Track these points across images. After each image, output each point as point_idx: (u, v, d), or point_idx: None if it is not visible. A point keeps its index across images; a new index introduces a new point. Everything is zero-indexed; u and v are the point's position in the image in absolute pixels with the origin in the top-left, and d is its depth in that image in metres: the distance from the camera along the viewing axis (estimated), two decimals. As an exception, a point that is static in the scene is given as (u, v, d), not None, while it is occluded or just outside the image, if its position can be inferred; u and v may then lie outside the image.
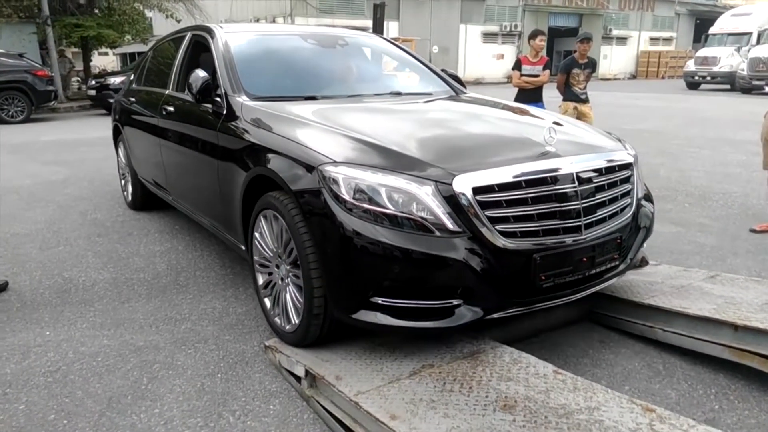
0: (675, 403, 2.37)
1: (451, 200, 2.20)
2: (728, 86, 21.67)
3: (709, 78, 22.28)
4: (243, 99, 3.18)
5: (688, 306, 2.71)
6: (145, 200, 5.32)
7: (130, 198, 5.55)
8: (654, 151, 8.33)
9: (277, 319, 2.75)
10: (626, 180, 2.71)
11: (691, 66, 23.03)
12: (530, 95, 6.70)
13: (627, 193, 2.71)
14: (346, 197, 2.24)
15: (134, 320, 3.16)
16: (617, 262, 2.63)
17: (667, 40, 38.52)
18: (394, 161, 2.32)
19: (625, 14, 36.02)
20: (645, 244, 2.97)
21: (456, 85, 4.21)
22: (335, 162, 2.33)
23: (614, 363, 2.69)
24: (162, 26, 21.63)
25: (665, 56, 34.75)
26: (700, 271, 3.34)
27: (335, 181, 2.27)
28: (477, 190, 2.22)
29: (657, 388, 2.49)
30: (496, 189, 2.25)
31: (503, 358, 2.27)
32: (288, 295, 2.66)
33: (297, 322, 2.55)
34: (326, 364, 2.34)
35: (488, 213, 2.22)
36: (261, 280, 2.93)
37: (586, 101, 6.64)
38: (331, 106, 3.26)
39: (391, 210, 2.19)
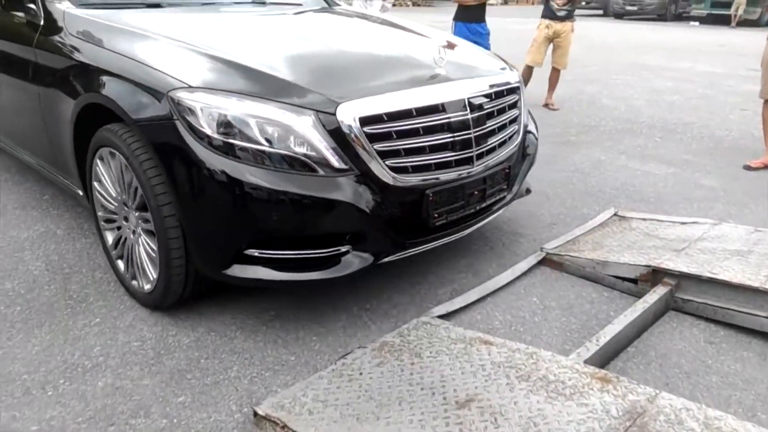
0: None
1: (335, 133, 1.92)
2: (601, 11, 22.12)
3: (583, 3, 22.54)
4: (65, 6, 2.61)
5: (832, 292, 2.05)
6: None
7: None
8: (582, 79, 7.83)
9: (134, 282, 2.32)
10: (513, 105, 2.53)
11: (566, -10, 23.16)
12: (472, 13, 5.70)
13: (514, 120, 2.54)
14: (207, 131, 1.89)
15: (11, 377, 1.92)
16: (505, 193, 2.50)
17: (536, -35, 38.91)
18: (265, 86, 1.99)
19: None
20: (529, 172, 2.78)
21: None
22: (191, 87, 1.95)
23: (752, 379, 1.97)
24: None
25: (535, -19, 35.06)
26: (776, 231, 2.72)
27: (192, 111, 1.90)
28: (364, 121, 1.95)
29: (831, 416, 1.82)
30: (385, 119, 2.00)
31: (688, 424, 1.43)
32: (141, 248, 2.23)
33: (155, 277, 2.15)
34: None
35: (377, 147, 1.97)
36: (110, 239, 2.45)
37: (564, 19, 5.77)
38: (182, 15, 2.83)
39: (264, 146, 1.89)
